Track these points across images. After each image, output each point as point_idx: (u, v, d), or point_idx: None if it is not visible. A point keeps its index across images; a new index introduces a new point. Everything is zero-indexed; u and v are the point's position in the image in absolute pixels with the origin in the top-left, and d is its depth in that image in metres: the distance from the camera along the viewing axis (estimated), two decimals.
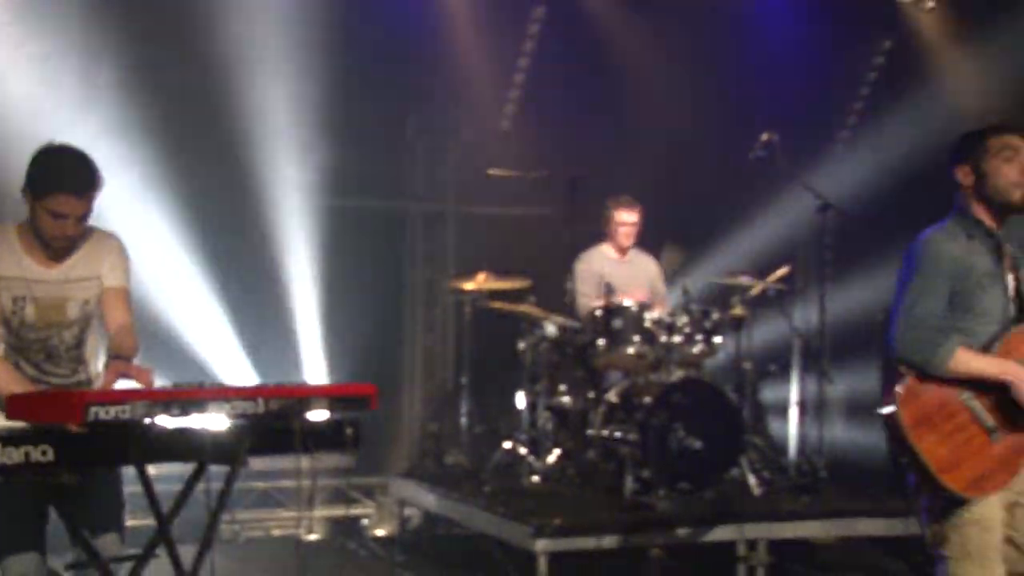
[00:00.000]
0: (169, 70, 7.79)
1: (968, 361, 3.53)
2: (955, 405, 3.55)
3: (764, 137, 6.80)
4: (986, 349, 3.57)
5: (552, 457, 6.65)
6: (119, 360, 3.62)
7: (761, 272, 6.99)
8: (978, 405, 3.54)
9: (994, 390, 3.52)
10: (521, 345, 6.92)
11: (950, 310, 3.64)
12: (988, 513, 3.54)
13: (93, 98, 7.41)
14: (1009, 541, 3.62)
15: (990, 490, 3.51)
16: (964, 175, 3.68)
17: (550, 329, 6.83)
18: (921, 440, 3.52)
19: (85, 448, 3.07)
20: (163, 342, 7.43)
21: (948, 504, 3.56)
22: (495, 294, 7.13)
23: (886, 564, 6.54)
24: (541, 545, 5.41)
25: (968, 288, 3.62)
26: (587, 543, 5.53)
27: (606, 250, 7.16)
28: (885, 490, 6.25)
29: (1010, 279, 3.66)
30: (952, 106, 8.98)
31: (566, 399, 6.75)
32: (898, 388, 3.56)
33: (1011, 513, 3.61)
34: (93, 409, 2.95)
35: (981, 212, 3.68)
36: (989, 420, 3.53)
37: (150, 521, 3.36)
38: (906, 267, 3.67)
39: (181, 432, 3.17)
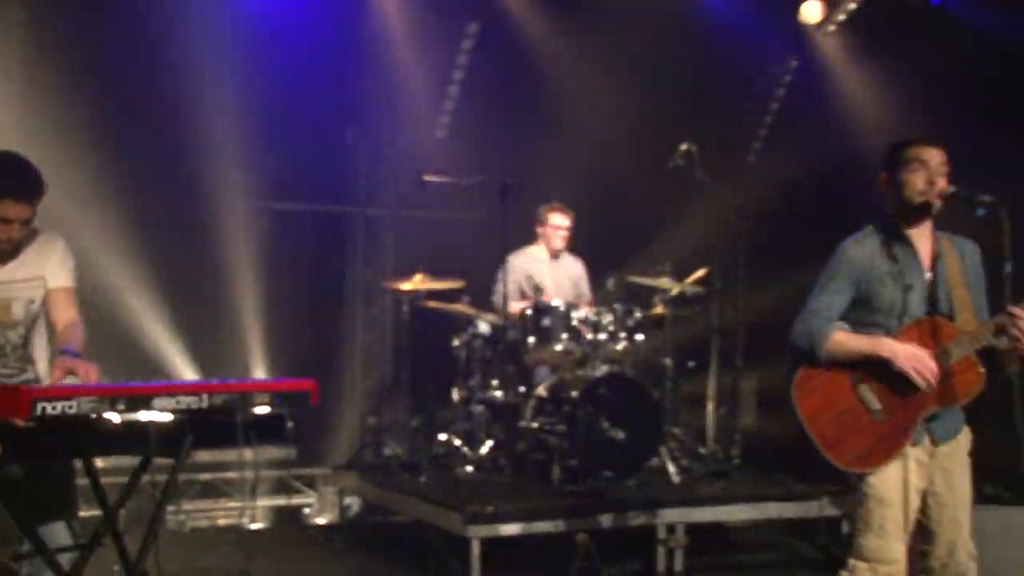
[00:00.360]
0: (114, 76, 7.65)
1: (844, 343, 3.63)
2: (844, 389, 3.65)
3: (683, 147, 6.82)
4: None
5: (485, 448, 6.64)
6: (65, 357, 3.55)
7: (680, 274, 7.02)
8: (865, 389, 3.62)
9: (881, 377, 3.59)
10: (456, 342, 6.91)
11: (857, 306, 3.72)
12: (883, 489, 3.60)
13: (37, 102, 7.22)
14: (919, 525, 3.68)
15: (874, 465, 3.59)
16: (883, 183, 3.76)
17: (483, 327, 6.84)
18: (812, 420, 3.64)
19: (32, 442, 3.01)
20: (110, 340, 7.27)
21: (856, 481, 3.64)
22: (431, 294, 7.10)
23: (794, 545, 6.60)
24: (474, 531, 5.40)
25: (871, 287, 3.69)
26: (517, 529, 5.53)
27: (536, 252, 7.16)
28: (793, 476, 6.33)
29: (927, 277, 3.71)
30: (852, 122, 9.17)
31: (498, 393, 6.74)
32: (795, 375, 3.68)
33: (924, 501, 3.68)
34: (40, 404, 2.90)
35: (898, 217, 3.74)
36: (875, 403, 3.60)
37: (99, 512, 3.31)
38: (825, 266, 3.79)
39: (127, 426, 3.11)
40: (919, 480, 3.64)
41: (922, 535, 3.69)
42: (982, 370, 3.64)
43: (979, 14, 8.38)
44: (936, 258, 3.72)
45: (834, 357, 3.63)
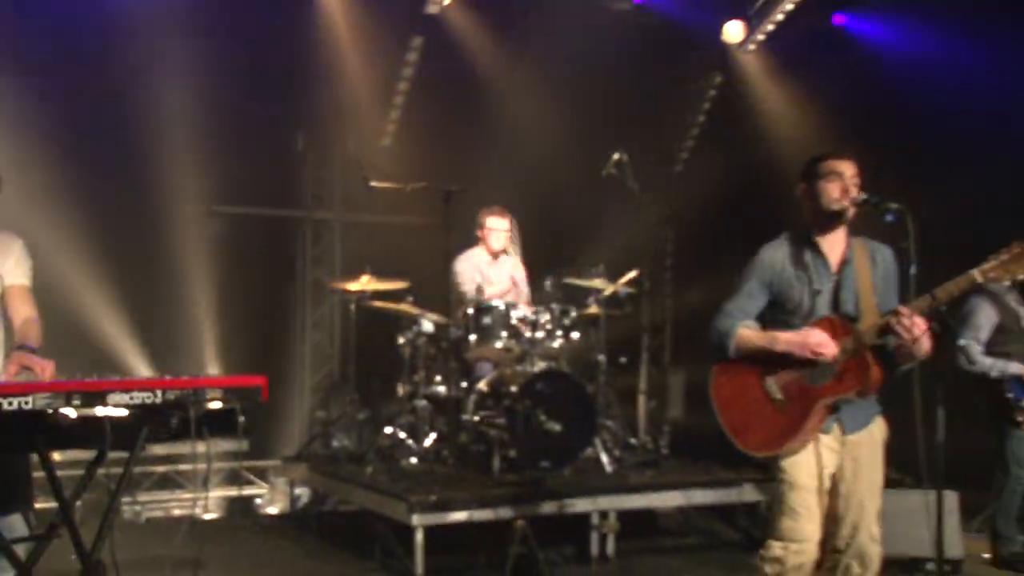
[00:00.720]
0: (72, 82, 7.54)
1: (748, 339, 3.72)
2: (752, 381, 3.74)
3: (615, 157, 6.85)
4: None
5: (428, 440, 6.60)
6: (22, 353, 3.49)
7: (613, 275, 7.02)
8: (770, 381, 3.70)
9: (784, 370, 3.65)
10: (401, 340, 6.87)
11: (773, 307, 3.79)
12: (795, 474, 3.67)
13: None
14: (829, 515, 3.73)
15: (773, 449, 3.68)
16: (802, 192, 3.80)
17: (427, 325, 6.80)
18: (724, 410, 3.76)
19: None
20: (66, 338, 7.14)
21: (773, 467, 3.72)
22: (377, 294, 7.05)
23: (716, 528, 6.66)
24: (418, 519, 5.39)
25: (783, 289, 3.76)
26: (459, 516, 5.52)
27: (480, 253, 7.14)
28: (717, 464, 6.42)
29: (835, 280, 3.74)
30: (771, 135, 9.29)
31: (441, 388, 6.70)
32: (712, 370, 3.80)
33: (833, 485, 3.72)
34: None
35: (814, 224, 3.79)
36: (778, 395, 3.68)
37: (55, 504, 3.23)
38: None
39: (83, 421, 3.05)
40: (830, 466, 3.70)
41: (830, 517, 3.74)
42: (879, 366, 3.66)
43: (874, 36, 8.79)
44: (845, 263, 3.76)
45: (741, 352, 3.73)
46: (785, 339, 3.65)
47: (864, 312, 3.69)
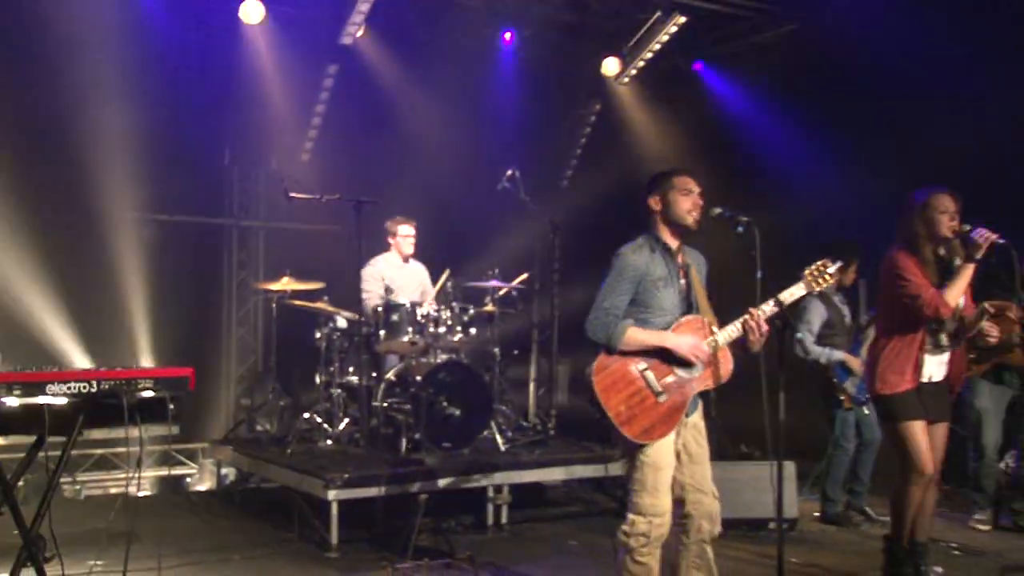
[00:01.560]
0: (24, 102, 7.38)
1: (636, 337, 3.70)
2: (633, 375, 3.71)
3: (508, 173, 6.86)
4: None
5: (342, 424, 6.58)
6: None
7: (506, 277, 7.07)
8: (650, 374, 3.70)
9: (661, 365, 3.70)
10: (317, 335, 6.80)
11: (634, 306, 3.78)
12: (658, 457, 3.70)
13: None
14: (677, 485, 3.79)
15: (656, 437, 3.68)
16: (655, 203, 3.82)
17: (341, 322, 6.78)
18: (608, 400, 3.68)
19: None
20: (9, 332, 7.00)
21: (632, 449, 3.70)
22: (296, 293, 6.98)
23: (595, 498, 6.76)
24: (333, 494, 5.37)
25: (647, 289, 3.77)
26: (370, 492, 5.50)
27: (390, 258, 7.11)
28: (596, 443, 6.47)
29: (682, 283, 3.83)
30: (642, 155, 9.58)
31: (354, 378, 6.64)
32: (593, 362, 3.72)
33: (679, 459, 3.79)
34: None
35: (664, 231, 3.83)
36: (657, 387, 3.69)
37: None
38: (606, 272, 3.82)
39: (24, 409, 3.02)
40: (678, 445, 3.79)
41: (679, 488, 3.80)
42: (729, 360, 3.82)
43: (717, 82, 9.46)
44: (687, 267, 3.87)
45: (627, 349, 3.70)
46: (673, 341, 3.68)
47: (703, 311, 3.81)
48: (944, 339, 4.43)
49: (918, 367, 4.38)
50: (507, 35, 9.25)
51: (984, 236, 4.21)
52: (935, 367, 4.44)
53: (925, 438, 4.36)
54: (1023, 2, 6.77)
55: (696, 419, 3.88)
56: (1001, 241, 4.21)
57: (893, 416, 4.41)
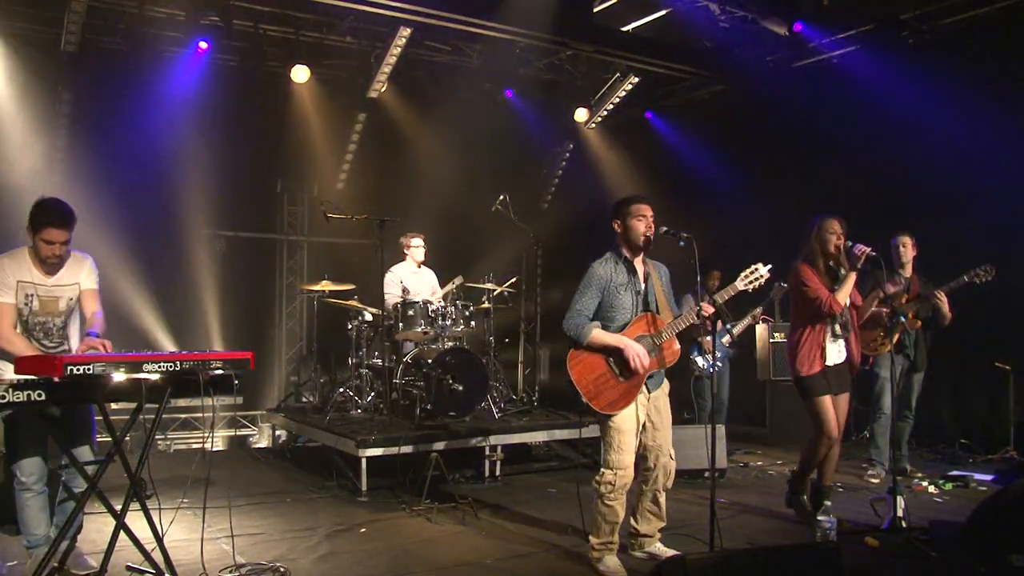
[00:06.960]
0: (122, 140, 7.51)
1: (599, 337, 3.76)
2: (599, 362, 3.79)
3: (501, 198, 6.92)
4: (620, 330, 3.81)
5: (369, 397, 6.55)
6: (89, 336, 3.50)
7: (499, 280, 7.06)
8: (612, 361, 3.78)
9: (622, 356, 3.75)
10: (349, 326, 6.78)
11: (601, 307, 3.84)
12: (622, 423, 3.77)
13: (55, 165, 7.33)
14: (642, 446, 3.85)
15: (619, 409, 3.75)
16: (617, 226, 3.88)
17: (368, 316, 6.75)
18: (580, 381, 3.76)
19: (64, 392, 2.99)
20: (119, 325, 7.12)
21: (603, 418, 3.79)
22: (333, 293, 6.97)
23: (570, 455, 6.74)
24: (362, 452, 5.38)
25: (611, 293, 3.83)
26: (392, 450, 5.48)
27: (406, 265, 7.02)
28: (570, 412, 6.44)
29: (642, 287, 3.86)
30: (606, 185, 9.59)
31: (378, 360, 6.64)
32: (568, 352, 3.80)
33: (644, 428, 3.84)
34: (69, 367, 2.89)
35: (624, 248, 3.88)
36: (618, 370, 3.77)
37: (110, 439, 3.27)
38: (582, 279, 3.89)
39: (128, 382, 3.10)
40: (643, 415, 3.84)
41: (643, 449, 3.87)
42: (678, 346, 3.89)
43: (664, 128, 9.56)
44: (647, 276, 3.92)
45: (591, 345, 3.76)
46: (625, 343, 3.71)
47: (662, 310, 3.88)
48: (839, 329, 4.49)
49: (823, 354, 4.44)
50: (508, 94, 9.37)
51: (861, 250, 4.31)
52: (835, 353, 4.49)
53: (831, 409, 4.40)
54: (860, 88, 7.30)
55: (659, 394, 3.90)
56: (873, 253, 4.33)
57: (807, 393, 4.44)
